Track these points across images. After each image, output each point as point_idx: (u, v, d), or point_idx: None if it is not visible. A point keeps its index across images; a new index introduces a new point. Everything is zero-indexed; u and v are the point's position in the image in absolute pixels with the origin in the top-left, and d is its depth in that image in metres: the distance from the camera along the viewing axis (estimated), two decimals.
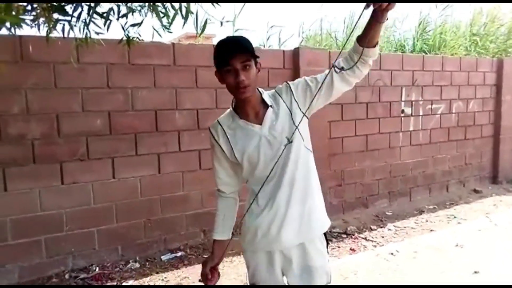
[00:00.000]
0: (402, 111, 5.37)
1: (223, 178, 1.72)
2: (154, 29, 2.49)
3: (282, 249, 1.65)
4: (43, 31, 2.50)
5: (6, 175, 3.21)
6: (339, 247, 4.04)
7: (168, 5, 2.23)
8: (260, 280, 1.72)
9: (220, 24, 2.36)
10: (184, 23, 2.20)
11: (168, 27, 2.36)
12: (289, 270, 1.69)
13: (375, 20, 1.41)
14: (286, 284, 1.74)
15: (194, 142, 3.93)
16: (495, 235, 4.20)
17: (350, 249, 3.98)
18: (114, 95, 3.57)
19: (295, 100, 1.62)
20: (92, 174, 3.52)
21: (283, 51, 4.48)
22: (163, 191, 3.84)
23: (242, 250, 1.79)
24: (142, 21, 2.46)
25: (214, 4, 2.19)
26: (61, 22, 2.30)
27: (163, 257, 3.75)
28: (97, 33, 2.46)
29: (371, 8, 1.38)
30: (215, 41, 1.61)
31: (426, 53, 6.68)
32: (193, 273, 3.46)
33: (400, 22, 7.43)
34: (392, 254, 3.76)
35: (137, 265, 3.62)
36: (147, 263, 3.67)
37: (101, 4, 2.29)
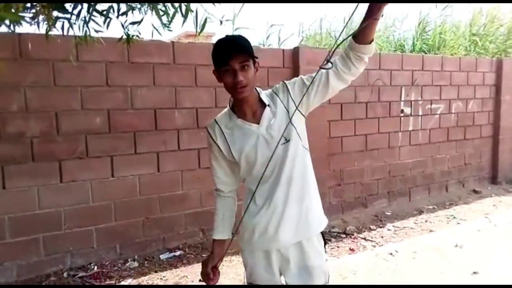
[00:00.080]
0: (402, 111, 5.37)
1: (221, 177, 1.73)
2: (154, 27, 2.49)
3: (279, 248, 1.66)
4: (42, 29, 2.49)
5: (5, 173, 3.20)
6: (338, 247, 4.03)
7: (168, 3, 2.23)
8: (258, 279, 1.72)
9: (219, 23, 2.35)
10: (184, 21, 2.19)
11: (168, 25, 2.36)
12: (286, 269, 1.69)
13: (371, 17, 1.40)
14: (284, 283, 1.74)
15: (194, 141, 3.92)
16: (494, 235, 4.20)
17: (349, 249, 3.98)
18: (114, 94, 3.56)
19: (292, 99, 1.62)
20: (91, 173, 3.51)
21: (283, 50, 4.48)
22: (162, 189, 3.83)
23: (240, 249, 1.79)
24: (142, 19, 2.46)
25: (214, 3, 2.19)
26: (60, 19, 2.29)
27: (162, 256, 3.74)
28: (97, 31, 2.45)
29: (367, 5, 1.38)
30: (214, 40, 1.60)
31: (426, 53, 6.68)
32: (192, 272, 3.46)
33: (400, 22, 7.44)
34: (391, 254, 3.76)
35: (136, 264, 3.61)
36: (146, 262, 3.66)
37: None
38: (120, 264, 3.59)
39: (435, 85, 5.65)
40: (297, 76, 1.69)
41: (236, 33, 4.91)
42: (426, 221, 4.83)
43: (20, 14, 2.04)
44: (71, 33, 2.39)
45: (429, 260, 3.61)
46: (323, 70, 1.57)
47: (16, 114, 3.20)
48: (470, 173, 6.24)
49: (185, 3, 2.13)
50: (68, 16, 2.22)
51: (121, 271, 3.49)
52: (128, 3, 2.28)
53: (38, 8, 2.22)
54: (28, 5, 2.18)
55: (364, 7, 1.42)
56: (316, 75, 1.59)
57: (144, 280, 3.36)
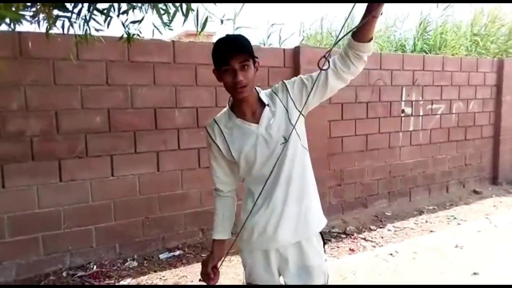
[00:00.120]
0: (402, 111, 5.36)
1: (220, 176, 1.73)
2: (155, 26, 2.48)
3: (278, 248, 1.65)
4: (42, 27, 2.49)
5: (4, 171, 3.19)
6: (338, 247, 4.03)
7: (169, 3, 2.22)
8: (257, 279, 1.72)
9: (220, 22, 2.34)
10: (185, 20, 2.19)
11: (168, 24, 2.35)
12: (285, 269, 1.69)
13: (370, 15, 1.40)
14: (283, 283, 1.73)
15: (194, 140, 3.91)
16: (495, 236, 4.19)
17: (349, 249, 3.97)
18: (114, 93, 3.55)
19: (291, 98, 1.61)
20: (91, 172, 3.50)
21: (284, 49, 4.47)
22: (162, 189, 3.83)
23: (239, 249, 1.78)
24: (142, 18, 2.45)
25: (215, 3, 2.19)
26: (61, 18, 2.29)
27: (161, 256, 3.73)
28: (97, 30, 2.44)
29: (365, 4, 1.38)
30: (215, 39, 1.60)
31: (427, 53, 6.67)
32: (191, 272, 3.45)
33: (401, 21, 7.43)
34: (391, 254, 3.75)
35: (135, 263, 3.60)
36: (145, 261, 3.65)
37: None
38: (120, 264, 3.59)
39: (436, 85, 5.64)
40: (298, 75, 1.69)
41: (237, 32, 4.91)
42: (427, 221, 4.82)
43: (21, 12, 2.03)
44: (71, 31, 2.39)
45: (429, 260, 3.61)
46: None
47: (16, 113, 3.19)
48: (470, 174, 6.23)
49: (186, 3, 2.12)
50: (68, 14, 2.22)
51: (120, 271, 3.48)
52: (129, 3, 2.28)
53: (38, 7, 2.21)
54: (29, 3, 2.17)
55: (363, 5, 1.42)
56: (315, 74, 1.58)
57: (143, 279, 3.36)
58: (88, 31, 2.42)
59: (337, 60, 1.57)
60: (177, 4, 2.17)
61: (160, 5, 2.18)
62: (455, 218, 4.90)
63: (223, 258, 1.74)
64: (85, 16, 2.32)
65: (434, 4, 7.19)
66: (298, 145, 1.61)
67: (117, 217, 3.64)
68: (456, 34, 7.32)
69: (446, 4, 7.14)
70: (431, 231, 4.45)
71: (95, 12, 2.26)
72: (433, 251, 3.81)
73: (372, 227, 4.61)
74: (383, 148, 5.23)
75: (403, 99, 5.34)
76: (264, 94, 1.65)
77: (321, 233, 1.73)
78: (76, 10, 2.24)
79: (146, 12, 2.43)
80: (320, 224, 1.71)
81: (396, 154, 5.36)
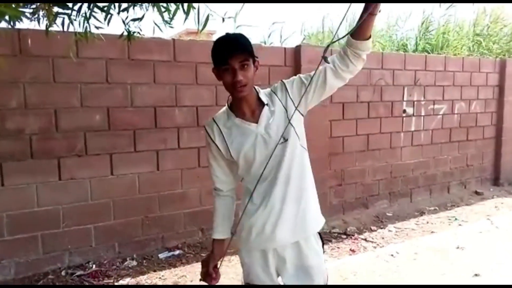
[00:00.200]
0: (404, 111, 5.33)
1: (219, 176, 1.73)
2: (155, 24, 2.46)
3: (276, 247, 1.65)
4: (42, 25, 2.47)
5: (3, 170, 3.17)
6: (338, 247, 4.01)
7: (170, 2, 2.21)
8: (255, 279, 1.71)
9: (222, 20, 2.32)
10: (186, 18, 2.17)
11: (169, 22, 2.33)
12: (283, 269, 1.68)
13: (367, 12, 1.39)
14: (282, 284, 1.72)
15: (194, 139, 3.89)
16: (496, 237, 4.17)
17: (350, 249, 3.95)
18: (113, 91, 3.53)
19: (290, 98, 1.61)
20: (90, 170, 3.48)
21: (285, 48, 4.45)
22: (161, 188, 3.81)
23: (237, 249, 1.77)
24: (143, 16, 2.43)
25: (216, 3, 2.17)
26: (61, 15, 2.27)
27: (161, 255, 3.72)
28: (97, 28, 2.43)
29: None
30: (215, 38, 1.59)
31: (429, 53, 6.64)
32: (191, 272, 3.43)
33: (403, 21, 7.40)
34: (392, 255, 3.73)
35: (134, 262, 3.59)
36: (144, 261, 3.64)
37: None
38: (119, 263, 3.57)
39: (438, 85, 5.61)
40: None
41: (237, 30, 4.89)
42: (428, 222, 4.80)
43: (21, 9, 2.01)
44: (71, 29, 2.37)
45: (430, 261, 3.59)
46: (321, 68, 1.57)
47: (15, 111, 3.18)
48: (472, 175, 6.20)
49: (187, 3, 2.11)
50: (68, 12, 2.20)
51: (119, 270, 3.46)
52: (130, 2, 2.26)
53: (38, 4, 2.19)
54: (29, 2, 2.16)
55: (362, 4, 1.41)
56: (314, 74, 1.58)
57: (142, 279, 3.34)
58: (88, 29, 2.41)
59: (336, 59, 1.56)
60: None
61: (161, 3, 2.16)
62: (456, 219, 4.88)
63: (223, 258, 1.73)
64: (85, 13, 2.30)
65: (437, 4, 7.17)
66: (297, 145, 1.61)
67: (116, 216, 3.63)
68: (459, 34, 7.30)
69: (448, 4, 7.12)
70: (432, 232, 4.43)
71: (95, 9, 2.25)
72: (434, 252, 3.79)
73: (373, 227, 4.59)
74: (384, 148, 5.20)
75: (405, 99, 5.31)
76: (263, 94, 1.64)
77: (319, 233, 1.73)
78: (76, 8, 2.22)
79: (147, 10, 2.41)
80: (319, 224, 1.71)
81: (397, 154, 5.34)
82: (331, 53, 1.59)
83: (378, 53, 5.13)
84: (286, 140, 1.56)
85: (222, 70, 1.51)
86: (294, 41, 7.29)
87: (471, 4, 7.75)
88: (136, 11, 2.42)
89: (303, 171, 1.64)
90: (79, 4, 2.21)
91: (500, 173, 6.40)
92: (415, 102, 5.42)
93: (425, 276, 3.29)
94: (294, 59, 4.39)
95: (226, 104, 1.67)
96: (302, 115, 1.65)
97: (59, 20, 2.32)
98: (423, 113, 5.52)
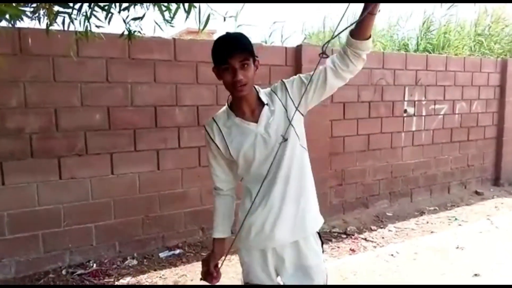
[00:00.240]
0: (405, 111, 5.33)
1: (219, 175, 1.73)
2: (156, 23, 2.46)
3: (275, 247, 1.65)
4: (43, 24, 2.47)
5: (4, 169, 3.18)
6: (338, 247, 4.00)
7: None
8: (255, 278, 1.71)
9: (223, 19, 2.32)
10: (187, 17, 2.17)
11: (170, 21, 2.33)
12: (282, 269, 1.68)
13: (367, 12, 1.39)
14: (281, 284, 1.72)
15: (194, 138, 3.89)
16: (496, 237, 4.17)
17: (350, 249, 3.95)
18: (114, 90, 3.53)
19: (290, 98, 1.61)
20: (91, 170, 3.48)
21: (285, 48, 4.44)
22: (161, 187, 3.81)
23: (237, 248, 1.77)
24: (144, 15, 2.43)
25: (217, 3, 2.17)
26: (61, 14, 2.27)
27: (161, 255, 3.72)
28: (98, 27, 2.42)
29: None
30: (216, 37, 1.59)
31: (430, 53, 6.63)
32: (191, 271, 3.43)
33: (404, 21, 7.40)
34: (392, 255, 3.73)
35: (135, 262, 3.59)
36: (145, 260, 3.64)
37: None
38: (119, 262, 3.57)
39: (439, 85, 5.60)
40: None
41: (238, 30, 4.89)
42: (428, 222, 4.79)
43: (21, 8, 2.01)
44: (71, 28, 2.37)
45: (430, 261, 3.59)
46: (321, 68, 1.57)
47: (15, 110, 3.18)
48: (472, 175, 6.19)
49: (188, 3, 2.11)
50: (69, 11, 2.20)
51: (120, 269, 3.46)
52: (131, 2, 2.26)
53: (38, 3, 2.19)
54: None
55: (361, 4, 1.41)
56: (314, 73, 1.58)
57: (143, 278, 3.34)
58: (89, 28, 2.41)
59: (336, 58, 1.56)
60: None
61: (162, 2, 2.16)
62: (456, 219, 4.88)
63: (223, 257, 1.73)
64: (86, 12, 2.30)
65: (438, 4, 7.17)
66: (297, 144, 1.61)
67: (117, 216, 3.63)
68: (460, 34, 7.29)
69: (449, 4, 7.11)
70: (432, 232, 4.42)
71: (96, 8, 2.25)
72: (434, 251, 3.79)
73: (373, 227, 4.58)
74: (385, 148, 5.20)
75: (406, 99, 5.31)
76: (263, 93, 1.64)
77: (319, 233, 1.73)
78: (77, 7, 2.22)
79: (148, 9, 2.41)
80: (318, 224, 1.71)
81: (398, 154, 5.33)
82: (331, 53, 1.59)
83: (379, 52, 5.12)
84: (285, 139, 1.56)
85: (222, 69, 1.51)
86: (295, 41, 7.29)
87: (473, 4, 7.73)
88: (137, 10, 2.43)
89: (302, 171, 1.64)
90: (79, 3, 2.21)
91: (500, 173, 6.39)
92: (416, 102, 5.41)
93: (425, 276, 3.29)
94: (295, 59, 4.39)
95: (226, 104, 1.67)
96: (302, 115, 1.65)
97: (59, 19, 2.32)
98: (424, 113, 5.51)
